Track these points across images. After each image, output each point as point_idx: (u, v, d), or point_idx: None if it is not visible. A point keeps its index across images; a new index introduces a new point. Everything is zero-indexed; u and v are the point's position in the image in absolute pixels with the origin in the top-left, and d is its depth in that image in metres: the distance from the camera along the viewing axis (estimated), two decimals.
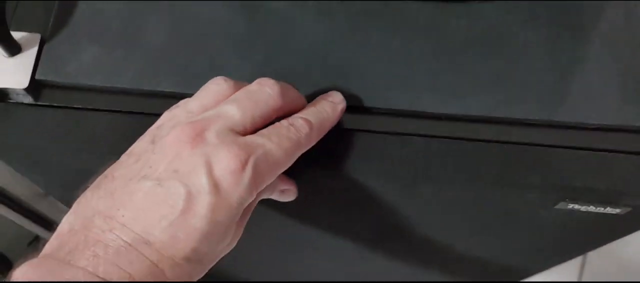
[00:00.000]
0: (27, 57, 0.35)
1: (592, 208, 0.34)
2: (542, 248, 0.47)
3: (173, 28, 0.36)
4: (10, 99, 0.34)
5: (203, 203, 0.26)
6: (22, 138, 0.34)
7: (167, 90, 0.34)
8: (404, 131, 0.34)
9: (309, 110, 0.31)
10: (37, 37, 0.35)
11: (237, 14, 0.36)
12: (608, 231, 0.40)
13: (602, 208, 0.34)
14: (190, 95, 0.31)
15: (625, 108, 0.33)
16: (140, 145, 0.29)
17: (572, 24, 0.36)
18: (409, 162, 0.33)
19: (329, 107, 0.32)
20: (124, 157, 0.29)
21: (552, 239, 0.44)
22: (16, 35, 0.35)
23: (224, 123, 0.28)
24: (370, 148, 0.34)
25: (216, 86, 0.30)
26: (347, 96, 0.33)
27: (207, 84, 0.31)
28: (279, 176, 0.30)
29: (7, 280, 0.26)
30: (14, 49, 0.34)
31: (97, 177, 0.29)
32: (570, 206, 0.34)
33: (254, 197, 0.28)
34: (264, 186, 0.29)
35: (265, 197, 0.34)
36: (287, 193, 0.36)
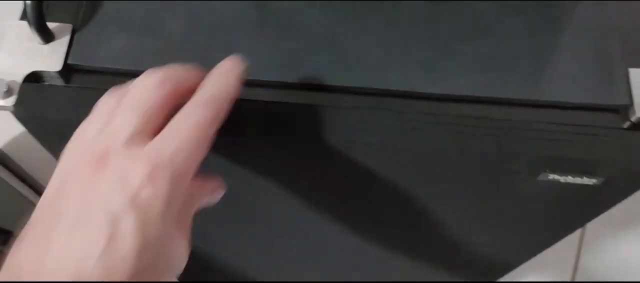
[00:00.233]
0: (60, 45, 0.38)
1: (570, 179, 0.37)
2: (528, 229, 0.51)
3: (191, 19, 0.39)
4: (44, 81, 0.38)
5: (127, 224, 0.26)
6: (54, 115, 0.37)
7: None
8: (399, 108, 0.37)
9: (199, 91, 0.31)
10: (68, 27, 0.39)
11: (249, 7, 0.40)
12: (589, 205, 0.43)
13: (580, 179, 0.37)
14: None
15: (597, 87, 0.37)
16: (52, 187, 0.29)
17: (551, 17, 0.40)
18: (404, 136, 0.37)
19: (219, 78, 0.31)
20: (40, 201, 0.28)
21: (537, 216, 0.47)
22: (50, 25, 0.39)
23: (121, 138, 0.28)
24: (367, 125, 0.37)
25: (105, 103, 0.31)
26: (348, 77, 0.37)
27: (98, 103, 0.31)
28: (203, 179, 0.31)
29: None
30: (48, 37, 0.38)
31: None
32: (551, 176, 0.38)
33: (182, 197, 0.28)
34: (187, 181, 0.28)
35: (202, 203, 0.35)
36: (216, 193, 0.37)
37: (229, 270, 0.75)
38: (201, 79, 0.31)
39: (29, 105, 0.36)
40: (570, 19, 0.40)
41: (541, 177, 0.38)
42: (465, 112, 0.37)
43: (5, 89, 0.36)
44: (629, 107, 0.36)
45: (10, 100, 0.36)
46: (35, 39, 0.38)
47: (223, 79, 0.32)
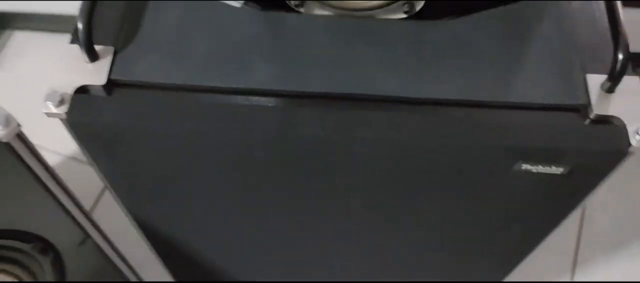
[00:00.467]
0: (104, 63, 0.46)
1: (541, 168, 0.44)
2: (515, 221, 0.56)
3: (213, 40, 0.47)
4: (91, 93, 0.45)
5: None
6: (99, 120, 0.44)
7: (211, 84, 0.45)
8: (391, 110, 0.44)
9: None
10: (110, 48, 0.46)
11: (265, 28, 0.47)
12: (562, 195, 0.49)
13: (549, 168, 0.43)
14: (230, 89, 0.42)
15: (561, 91, 0.44)
16: None
17: (519, 29, 0.47)
18: (397, 133, 0.43)
19: None
20: None
21: (521, 209, 0.53)
22: (96, 47, 0.46)
23: None
24: (366, 123, 0.44)
25: None
26: (347, 84, 0.44)
27: None
28: None
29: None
30: (94, 56, 0.45)
31: None
32: (524, 167, 0.44)
33: None
34: None
35: None
36: None
37: (229, 270, 0.80)
38: None
39: (79, 113, 0.43)
40: (535, 33, 0.47)
41: (516, 167, 0.44)
42: (449, 113, 0.44)
43: (59, 100, 0.43)
44: (587, 106, 0.43)
45: (63, 108, 0.43)
46: (83, 58, 0.45)
47: None
